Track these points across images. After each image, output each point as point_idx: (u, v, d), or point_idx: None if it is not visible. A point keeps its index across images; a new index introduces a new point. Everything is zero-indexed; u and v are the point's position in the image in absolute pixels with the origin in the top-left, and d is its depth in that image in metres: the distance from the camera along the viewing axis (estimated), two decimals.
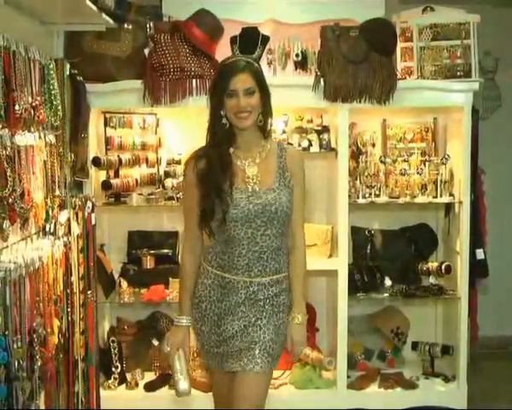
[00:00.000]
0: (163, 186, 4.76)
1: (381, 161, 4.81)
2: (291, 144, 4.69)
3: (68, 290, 3.54)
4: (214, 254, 3.00)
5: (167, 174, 4.80)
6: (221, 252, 2.97)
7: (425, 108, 4.80)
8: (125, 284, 4.76)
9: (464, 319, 4.68)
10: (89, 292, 3.80)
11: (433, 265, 4.92)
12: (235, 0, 4.80)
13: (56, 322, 3.28)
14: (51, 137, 3.40)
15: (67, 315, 3.52)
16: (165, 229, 5.03)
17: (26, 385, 2.83)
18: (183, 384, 2.96)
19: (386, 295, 4.87)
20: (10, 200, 2.82)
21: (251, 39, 4.63)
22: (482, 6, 5.10)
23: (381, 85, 4.46)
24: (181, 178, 4.31)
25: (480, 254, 4.98)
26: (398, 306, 5.10)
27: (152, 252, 4.84)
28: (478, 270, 4.98)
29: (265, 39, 4.69)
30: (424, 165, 4.80)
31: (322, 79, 4.46)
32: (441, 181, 4.75)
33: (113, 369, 4.68)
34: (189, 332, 3.04)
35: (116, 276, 4.86)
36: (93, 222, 3.91)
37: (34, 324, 2.98)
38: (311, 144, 4.73)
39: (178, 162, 4.81)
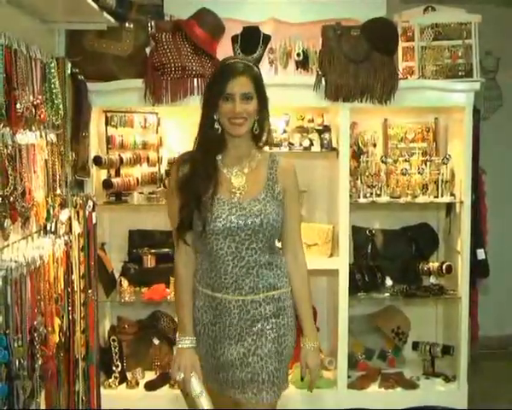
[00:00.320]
0: (164, 185, 4.76)
1: (382, 161, 4.81)
2: (292, 144, 4.70)
3: (69, 289, 3.53)
4: (202, 273, 2.79)
5: (168, 173, 4.79)
6: (208, 269, 2.76)
7: (426, 107, 4.80)
8: (125, 282, 4.76)
9: (465, 319, 4.68)
10: (89, 291, 3.80)
11: (433, 265, 4.92)
12: None
13: (57, 321, 3.27)
14: (52, 136, 3.40)
15: (68, 314, 3.52)
16: (165, 228, 5.00)
17: (26, 384, 2.83)
18: (208, 406, 2.71)
19: (387, 294, 4.87)
20: (11, 199, 2.82)
21: (252, 38, 4.64)
22: (483, 6, 5.10)
23: (382, 85, 4.46)
24: None
25: (480, 254, 4.98)
26: (398, 306, 5.10)
27: (153, 251, 4.84)
28: (479, 270, 4.98)
29: (267, 38, 4.69)
30: (425, 165, 4.80)
31: (323, 79, 4.46)
32: (442, 181, 4.75)
33: (114, 368, 4.68)
34: (196, 352, 2.81)
35: (117, 275, 4.86)
36: (94, 221, 3.91)
37: (35, 322, 2.97)
38: (312, 144, 4.73)
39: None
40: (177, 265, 2.85)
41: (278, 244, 2.92)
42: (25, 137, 3.01)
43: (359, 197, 4.73)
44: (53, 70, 3.30)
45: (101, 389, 4.22)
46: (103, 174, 4.72)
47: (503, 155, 5.82)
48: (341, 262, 4.62)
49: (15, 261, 2.86)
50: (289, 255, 2.88)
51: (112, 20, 3.97)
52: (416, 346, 5.00)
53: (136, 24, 4.51)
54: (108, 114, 4.73)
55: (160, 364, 4.81)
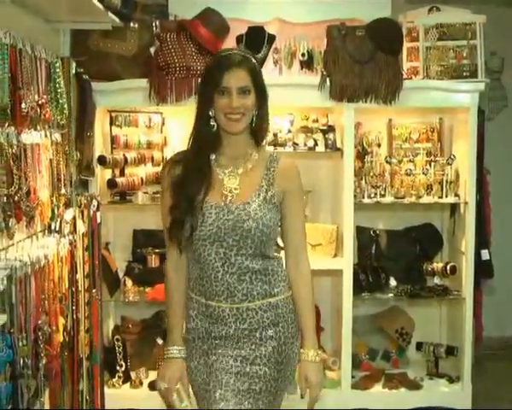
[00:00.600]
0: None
1: (387, 161, 4.80)
2: (296, 144, 4.70)
3: (73, 288, 3.54)
4: (195, 280, 2.63)
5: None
6: (199, 276, 2.59)
7: (431, 108, 4.80)
8: (129, 282, 4.77)
9: (469, 320, 4.68)
10: (94, 290, 3.81)
11: (438, 265, 4.92)
12: None
13: (61, 320, 3.28)
14: (57, 136, 3.40)
15: (72, 313, 3.53)
16: None
17: (31, 383, 2.83)
18: None
19: (391, 295, 4.86)
20: (16, 198, 2.82)
21: (257, 38, 4.63)
22: (488, 6, 5.10)
23: (386, 85, 4.46)
24: None
25: (485, 254, 4.97)
26: (402, 306, 5.09)
27: (157, 251, 4.83)
28: (483, 270, 4.97)
29: (271, 38, 4.69)
30: (430, 165, 4.79)
31: (328, 79, 4.46)
32: (447, 181, 4.74)
33: (118, 367, 4.68)
34: (184, 364, 2.67)
35: (121, 274, 4.87)
36: (98, 220, 3.92)
37: (39, 322, 2.98)
38: (316, 144, 4.72)
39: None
40: (167, 269, 2.71)
41: (277, 246, 2.75)
42: (30, 137, 3.01)
43: (363, 197, 4.73)
44: (58, 70, 3.30)
45: (105, 388, 4.24)
46: (108, 174, 4.73)
47: (507, 156, 5.82)
48: (345, 262, 4.61)
49: (20, 260, 2.86)
50: (291, 261, 2.69)
51: (117, 20, 3.98)
52: (419, 346, 4.99)
53: (141, 24, 4.51)
54: (113, 114, 4.73)
55: None
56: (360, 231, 5.01)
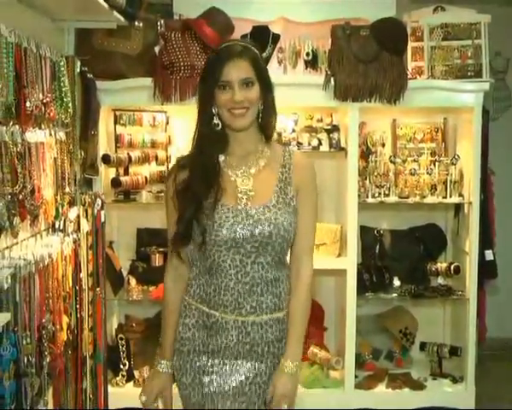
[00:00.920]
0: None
1: (391, 161, 4.80)
2: (301, 143, 4.70)
3: (77, 287, 3.55)
4: (198, 287, 2.44)
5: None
6: (205, 284, 2.41)
7: (435, 108, 4.79)
8: (133, 281, 4.77)
9: (473, 320, 4.67)
10: (97, 289, 3.80)
11: (441, 265, 4.91)
12: None
13: (65, 319, 3.29)
14: (61, 135, 3.40)
15: (76, 312, 3.53)
16: None
17: (34, 381, 2.84)
18: None
19: (395, 295, 4.86)
20: (21, 196, 2.82)
21: (261, 38, 4.62)
22: (493, 6, 5.10)
23: (391, 85, 4.45)
24: None
25: (489, 255, 4.97)
26: (406, 306, 5.09)
27: (161, 249, 4.83)
28: (487, 271, 4.96)
29: (276, 38, 4.69)
30: (434, 165, 4.79)
31: (332, 78, 4.45)
32: (451, 181, 4.74)
33: (121, 366, 4.69)
34: (170, 379, 2.55)
35: (125, 273, 4.87)
36: (102, 219, 3.92)
37: (43, 320, 2.98)
38: (320, 143, 4.73)
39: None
40: (166, 279, 2.55)
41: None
42: (34, 136, 3.01)
43: (368, 197, 4.73)
44: (62, 68, 3.31)
45: (109, 387, 4.23)
46: (112, 173, 4.73)
47: (511, 156, 5.81)
48: (349, 262, 4.61)
49: (24, 259, 2.87)
50: (293, 266, 2.50)
51: (121, 19, 3.97)
52: (423, 347, 4.99)
53: (146, 23, 4.50)
54: (117, 113, 4.73)
55: None
56: (364, 231, 5.01)
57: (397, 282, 4.90)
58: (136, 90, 4.46)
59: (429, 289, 4.90)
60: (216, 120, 2.40)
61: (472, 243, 4.64)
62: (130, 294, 4.75)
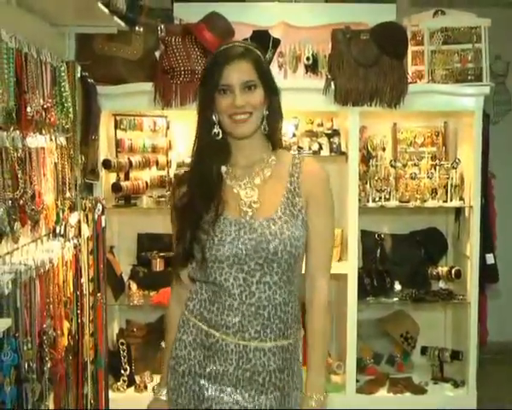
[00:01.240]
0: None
1: (392, 165, 4.80)
2: (301, 148, 4.70)
3: (78, 292, 3.54)
4: (199, 302, 2.25)
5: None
6: (208, 301, 2.23)
7: (435, 112, 4.79)
8: (134, 286, 4.77)
9: (474, 325, 4.67)
10: (98, 294, 3.80)
11: (442, 269, 4.91)
12: (247, 3, 4.83)
13: (66, 324, 3.28)
14: (62, 140, 3.40)
15: (77, 317, 3.52)
16: None
17: (35, 387, 2.83)
18: None
19: (396, 299, 4.86)
20: (21, 202, 2.82)
21: (262, 42, 4.60)
22: (493, 10, 5.10)
23: (391, 89, 4.45)
24: None
25: (490, 258, 4.96)
26: (407, 310, 5.08)
27: (161, 254, 4.83)
28: (488, 275, 4.96)
29: (276, 42, 4.69)
30: (434, 169, 4.78)
31: (332, 83, 4.45)
32: (451, 185, 4.73)
33: (122, 371, 4.68)
34: (166, 405, 2.37)
35: (125, 278, 4.87)
36: (103, 224, 3.92)
37: (44, 325, 2.98)
38: (321, 148, 4.73)
39: (188, 165, 4.81)
40: (170, 300, 2.40)
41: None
42: (35, 141, 3.01)
43: (368, 201, 4.73)
44: (63, 73, 3.31)
45: (110, 392, 4.23)
46: (112, 178, 4.73)
47: None
48: (350, 266, 4.61)
49: (25, 264, 2.86)
50: (307, 282, 2.29)
51: (122, 24, 3.97)
52: (424, 351, 4.98)
53: (146, 28, 4.50)
54: (118, 118, 4.73)
55: None
56: (365, 235, 5.01)
57: (398, 286, 4.90)
58: (137, 95, 4.46)
59: (430, 293, 4.89)
60: (216, 129, 2.22)
61: (473, 246, 4.64)
62: (130, 299, 4.75)
